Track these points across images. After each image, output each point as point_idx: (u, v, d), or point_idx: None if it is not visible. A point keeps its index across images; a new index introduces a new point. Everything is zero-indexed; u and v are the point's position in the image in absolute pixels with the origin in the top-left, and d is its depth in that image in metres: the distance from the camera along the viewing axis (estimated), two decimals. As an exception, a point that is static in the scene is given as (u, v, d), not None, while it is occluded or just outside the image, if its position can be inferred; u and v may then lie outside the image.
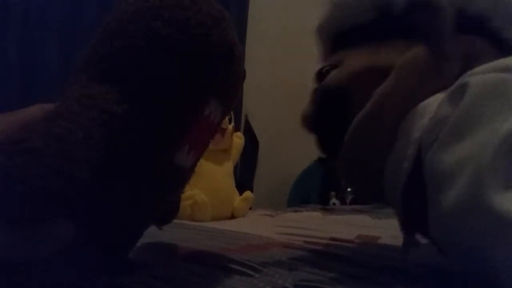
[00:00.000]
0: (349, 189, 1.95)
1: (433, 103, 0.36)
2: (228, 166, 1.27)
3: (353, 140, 0.44)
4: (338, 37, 0.52)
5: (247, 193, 1.27)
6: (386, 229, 0.70)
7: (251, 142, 1.79)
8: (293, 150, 2.11)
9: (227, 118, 1.21)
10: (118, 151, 0.29)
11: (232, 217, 1.22)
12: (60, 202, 0.25)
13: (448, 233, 0.31)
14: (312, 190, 1.98)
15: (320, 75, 0.51)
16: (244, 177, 1.75)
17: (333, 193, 1.93)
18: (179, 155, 0.34)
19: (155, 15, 0.31)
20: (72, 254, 0.29)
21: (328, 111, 0.49)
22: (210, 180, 1.18)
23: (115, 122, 0.29)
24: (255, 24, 1.89)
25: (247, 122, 1.85)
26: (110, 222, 0.33)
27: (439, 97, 0.36)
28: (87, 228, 0.29)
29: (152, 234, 0.69)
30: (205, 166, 1.19)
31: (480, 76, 0.31)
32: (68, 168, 0.25)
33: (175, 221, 1.07)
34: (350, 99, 0.45)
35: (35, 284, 0.29)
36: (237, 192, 1.28)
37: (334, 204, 1.85)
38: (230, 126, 1.24)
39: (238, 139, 1.37)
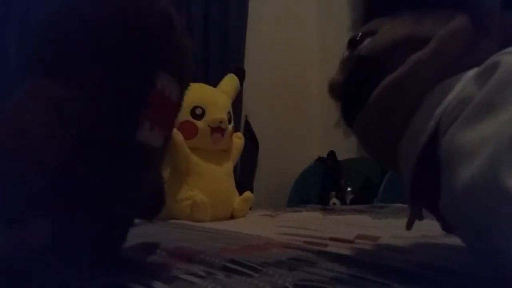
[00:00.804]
0: (349, 189, 1.95)
1: (462, 79, 0.35)
2: (228, 167, 1.27)
3: (377, 102, 0.43)
4: (374, 3, 0.50)
5: (247, 194, 1.27)
6: (385, 229, 0.70)
7: (251, 142, 1.79)
8: (293, 150, 2.11)
9: (227, 118, 1.21)
10: (76, 134, 0.30)
11: (232, 217, 1.22)
12: (21, 185, 0.26)
13: (460, 209, 0.30)
14: (312, 190, 1.98)
15: (353, 42, 0.49)
16: (244, 178, 1.75)
17: (333, 193, 1.93)
18: (141, 132, 0.35)
19: (90, 2, 0.33)
20: (62, 252, 0.29)
21: (360, 80, 0.47)
22: (210, 181, 1.18)
23: (66, 105, 0.30)
24: (255, 24, 1.89)
25: (247, 122, 1.85)
26: (88, 210, 0.33)
27: (468, 74, 0.35)
28: (65, 219, 0.30)
29: (152, 234, 0.69)
30: (205, 166, 1.19)
31: None
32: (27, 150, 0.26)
33: (175, 221, 1.07)
34: (384, 69, 0.43)
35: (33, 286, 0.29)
36: (237, 193, 1.28)
37: (334, 204, 1.85)
38: (230, 127, 1.24)
39: (238, 140, 1.37)
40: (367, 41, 0.47)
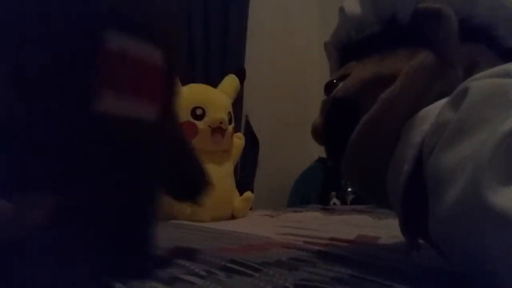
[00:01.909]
0: (349, 189, 1.95)
1: (435, 108, 0.37)
2: (228, 167, 1.27)
3: (358, 142, 0.45)
4: (346, 50, 0.53)
5: (248, 194, 1.27)
6: (386, 229, 0.70)
7: (252, 142, 1.79)
8: (293, 150, 2.11)
9: (227, 119, 1.21)
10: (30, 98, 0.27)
11: (233, 217, 1.22)
12: None
13: (448, 232, 0.31)
14: (312, 190, 1.98)
15: (329, 87, 0.52)
16: (245, 178, 1.75)
17: (333, 193, 1.93)
18: (104, 103, 0.30)
19: None
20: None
21: (337, 121, 0.50)
22: (210, 181, 1.18)
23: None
24: (255, 24, 1.89)
25: (247, 122, 1.85)
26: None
27: (441, 102, 0.37)
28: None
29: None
30: (205, 166, 1.19)
31: (481, 81, 0.32)
32: None
33: (175, 221, 1.07)
34: (359, 108, 0.46)
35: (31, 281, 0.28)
36: (237, 193, 1.28)
37: (334, 204, 1.85)
38: (231, 127, 1.24)
39: (239, 140, 1.37)
40: (341, 84, 0.50)
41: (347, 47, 0.52)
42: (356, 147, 0.45)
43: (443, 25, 0.43)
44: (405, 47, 0.46)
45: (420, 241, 0.42)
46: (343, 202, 1.89)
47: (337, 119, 0.50)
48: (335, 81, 0.51)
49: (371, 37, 0.49)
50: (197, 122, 1.18)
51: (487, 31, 0.46)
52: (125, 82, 0.32)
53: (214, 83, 1.37)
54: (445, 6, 0.43)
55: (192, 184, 0.44)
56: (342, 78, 0.51)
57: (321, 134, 0.53)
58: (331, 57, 0.57)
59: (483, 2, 0.46)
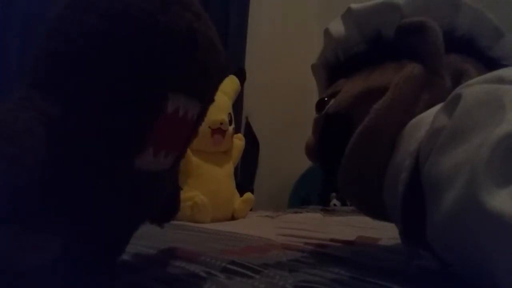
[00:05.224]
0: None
1: (429, 116, 0.37)
2: (229, 168, 1.27)
3: (353, 154, 0.45)
4: (334, 69, 0.55)
5: (248, 195, 1.27)
6: (386, 231, 0.70)
7: (252, 143, 1.79)
8: (293, 151, 2.11)
9: (227, 120, 1.21)
10: (64, 153, 0.27)
11: (233, 218, 1.22)
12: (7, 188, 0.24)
13: (446, 236, 0.31)
14: (312, 191, 1.98)
15: (321, 105, 0.53)
16: (245, 179, 1.75)
17: (333, 194, 1.93)
18: (141, 160, 0.30)
19: (89, 8, 0.28)
20: (63, 260, 0.29)
21: (331, 138, 0.51)
22: (210, 182, 1.18)
23: (54, 124, 0.27)
24: (255, 24, 1.89)
25: (247, 123, 1.85)
26: (88, 226, 0.31)
27: (434, 110, 0.37)
28: (64, 235, 0.29)
29: (152, 235, 0.69)
30: (205, 167, 1.19)
31: (473, 87, 0.33)
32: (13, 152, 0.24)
33: (175, 222, 1.07)
34: (351, 123, 0.47)
35: None
36: (237, 194, 1.28)
37: (334, 205, 1.85)
38: (231, 128, 1.24)
39: (239, 141, 1.37)
40: (332, 101, 0.51)
41: (335, 66, 0.54)
42: (351, 159, 0.45)
43: (428, 37, 0.44)
44: (392, 61, 0.47)
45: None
46: (344, 203, 1.89)
47: (331, 135, 0.51)
48: (326, 98, 0.52)
49: (358, 55, 0.51)
50: (197, 123, 1.18)
51: (470, 43, 0.48)
52: (166, 139, 0.32)
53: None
54: (428, 19, 0.44)
55: (166, 212, 0.45)
56: (332, 95, 0.52)
57: (315, 151, 0.54)
58: (320, 77, 0.59)
59: (463, 15, 0.48)
